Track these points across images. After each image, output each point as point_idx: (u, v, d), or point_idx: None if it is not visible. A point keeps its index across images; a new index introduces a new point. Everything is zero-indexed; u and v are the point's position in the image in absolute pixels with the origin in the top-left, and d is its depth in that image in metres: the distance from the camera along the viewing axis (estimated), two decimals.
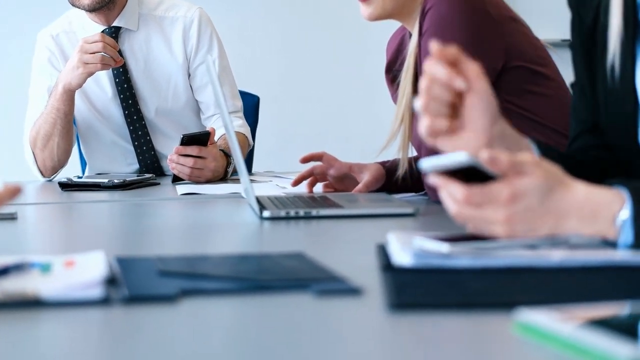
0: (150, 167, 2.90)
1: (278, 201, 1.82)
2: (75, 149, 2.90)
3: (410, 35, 2.00)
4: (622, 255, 1.07)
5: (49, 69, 2.87)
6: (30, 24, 3.57)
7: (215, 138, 2.63)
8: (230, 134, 1.73)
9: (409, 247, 1.11)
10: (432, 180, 1.11)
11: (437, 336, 0.84)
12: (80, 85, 2.66)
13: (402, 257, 1.10)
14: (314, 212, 1.67)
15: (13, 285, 0.97)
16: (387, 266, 1.09)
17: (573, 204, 1.08)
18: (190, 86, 2.91)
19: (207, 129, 2.59)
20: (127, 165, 2.93)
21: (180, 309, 0.93)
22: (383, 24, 2.11)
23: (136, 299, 0.96)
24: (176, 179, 2.52)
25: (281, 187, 2.26)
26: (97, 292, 0.96)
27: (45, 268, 1.06)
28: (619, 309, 0.83)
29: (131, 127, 2.87)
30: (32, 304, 0.94)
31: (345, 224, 1.61)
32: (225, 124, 1.81)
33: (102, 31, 2.78)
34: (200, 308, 0.95)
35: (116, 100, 2.86)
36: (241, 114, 2.97)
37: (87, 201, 2.16)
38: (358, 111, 4.43)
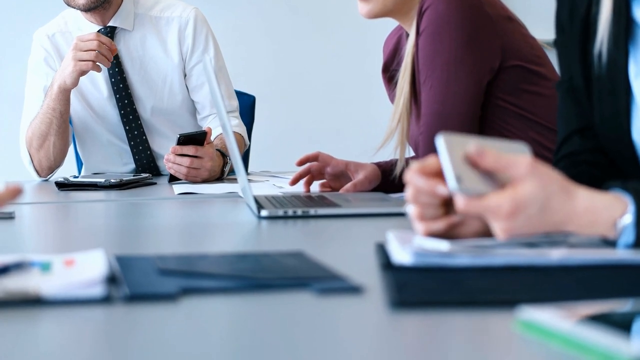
0: (147, 166, 2.90)
1: (276, 200, 1.82)
2: (71, 149, 2.90)
3: (408, 34, 2.01)
4: (621, 254, 1.07)
5: (44, 68, 2.87)
6: (26, 24, 3.58)
7: (212, 138, 2.63)
8: (228, 134, 1.73)
9: (408, 245, 1.11)
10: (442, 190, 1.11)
11: (439, 334, 0.84)
12: (75, 84, 2.66)
13: (402, 255, 1.10)
14: (311, 212, 1.67)
15: (14, 284, 0.97)
16: (387, 265, 1.09)
17: (572, 212, 1.08)
18: (186, 86, 2.91)
19: (204, 129, 2.59)
20: (123, 164, 2.93)
21: (181, 308, 0.93)
22: (379, 23, 2.11)
23: (137, 297, 0.96)
24: (173, 179, 2.52)
25: (278, 187, 2.26)
26: (98, 290, 0.96)
27: (45, 267, 1.06)
28: (619, 306, 0.83)
29: (127, 127, 2.87)
30: (33, 302, 0.94)
31: (343, 223, 1.61)
32: (223, 124, 1.81)
33: (98, 31, 2.78)
34: (201, 306, 0.95)
35: (112, 100, 2.86)
36: (237, 114, 2.98)
37: (84, 201, 2.16)
38: (354, 111, 4.43)
